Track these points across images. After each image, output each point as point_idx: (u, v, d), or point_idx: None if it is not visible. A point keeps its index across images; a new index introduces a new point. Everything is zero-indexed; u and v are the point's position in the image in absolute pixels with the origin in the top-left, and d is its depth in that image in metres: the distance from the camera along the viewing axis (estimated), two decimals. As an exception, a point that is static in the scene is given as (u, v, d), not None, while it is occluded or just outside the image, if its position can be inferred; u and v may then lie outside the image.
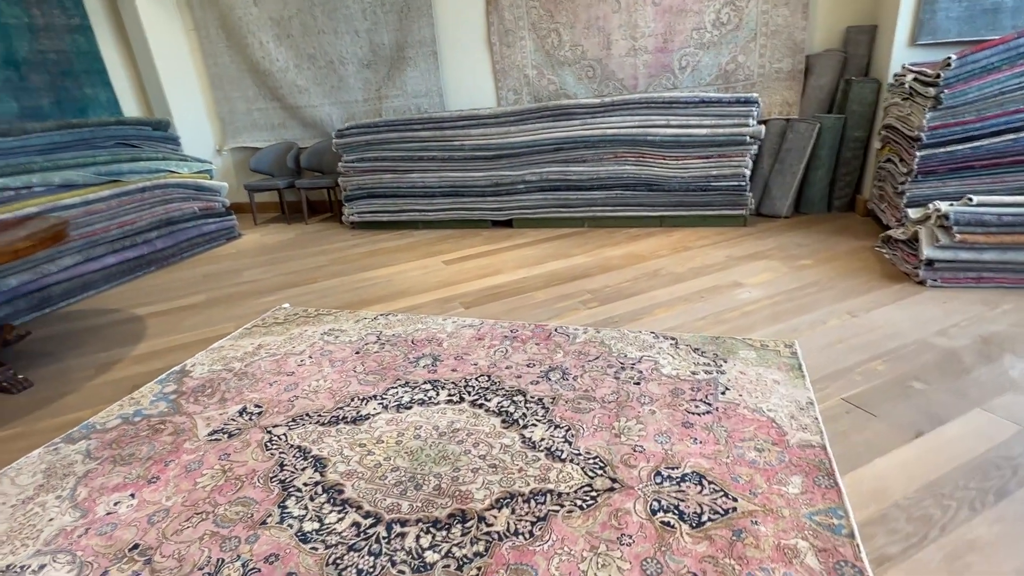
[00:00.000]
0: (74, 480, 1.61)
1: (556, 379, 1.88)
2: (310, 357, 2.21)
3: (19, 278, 2.95)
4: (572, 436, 1.58)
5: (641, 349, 2.01)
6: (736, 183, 3.29)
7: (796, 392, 1.68)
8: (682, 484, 1.36)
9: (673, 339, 2.07)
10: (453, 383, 1.92)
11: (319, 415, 1.81)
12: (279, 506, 1.43)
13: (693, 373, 1.83)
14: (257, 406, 1.90)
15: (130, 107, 4.56)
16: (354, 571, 1.21)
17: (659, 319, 2.26)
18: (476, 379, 1.93)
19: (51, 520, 1.46)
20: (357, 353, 2.21)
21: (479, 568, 1.18)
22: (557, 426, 1.63)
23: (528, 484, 1.41)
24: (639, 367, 1.90)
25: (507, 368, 1.98)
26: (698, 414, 1.62)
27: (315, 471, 1.54)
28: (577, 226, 3.71)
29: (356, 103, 4.46)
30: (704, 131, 3.25)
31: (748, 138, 3.21)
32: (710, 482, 1.36)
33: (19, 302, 2.95)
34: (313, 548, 1.28)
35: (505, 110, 3.63)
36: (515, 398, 1.79)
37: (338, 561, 1.24)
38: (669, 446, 1.50)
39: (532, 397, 1.79)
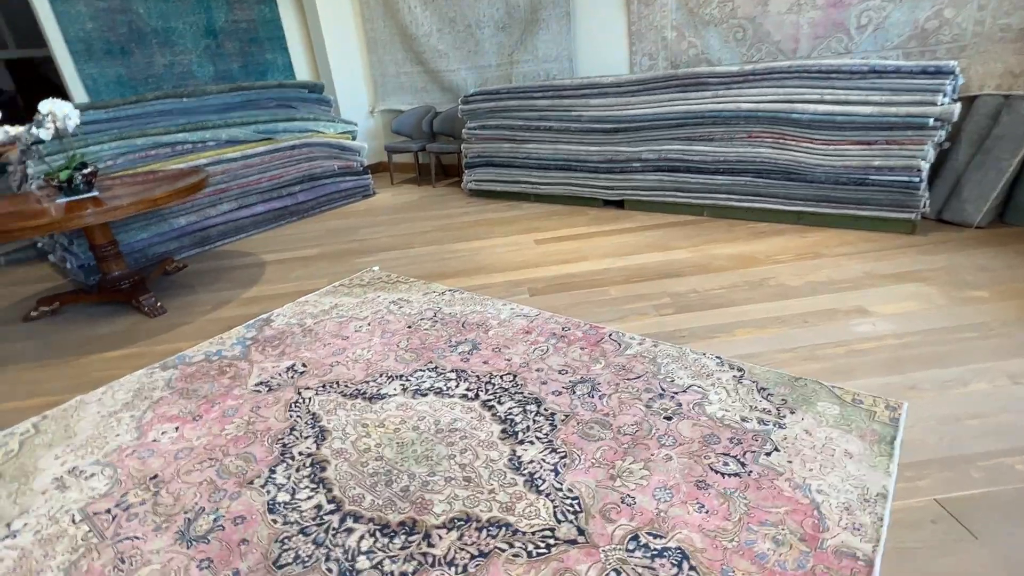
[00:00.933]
0: (148, 404, 1.89)
1: (581, 393, 1.68)
2: (368, 324, 2.29)
3: (187, 219, 3.54)
4: (563, 466, 1.40)
5: (694, 376, 1.71)
6: (906, 178, 2.57)
7: (871, 475, 1.27)
8: (657, 560, 1.12)
9: (740, 370, 1.71)
10: (478, 376, 1.83)
11: (346, 386, 1.87)
12: (270, 469, 1.51)
13: (743, 419, 1.50)
14: (304, 365, 2.04)
15: (302, 70, 5.10)
16: (292, 555, 1.23)
17: (737, 341, 1.90)
18: (501, 377, 1.82)
19: (117, 436, 1.74)
20: (409, 327, 2.23)
21: (399, 590, 1.12)
22: (554, 450, 1.46)
23: (491, 510, 1.29)
24: (680, 398, 1.61)
25: (537, 371, 1.83)
26: (722, 474, 1.32)
27: (314, 442, 1.60)
28: (695, 214, 3.28)
29: (489, 68, 4.42)
30: (870, 109, 2.57)
31: (932, 120, 2.47)
32: (692, 567, 1.10)
33: (185, 239, 3.55)
34: (273, 520, 1.34)
35: (629, 78, 3.28)
36: (528, 407, 1.65)
37: (286, 541, 1.27)
38: (666, 506, 1.25)
39: (546, 409, 1.63)
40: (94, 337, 2.50)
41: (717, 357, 1.79)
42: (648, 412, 1.57)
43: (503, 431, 1.56)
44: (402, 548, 1.22)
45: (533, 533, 1.22)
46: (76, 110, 2.69)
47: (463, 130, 4.12)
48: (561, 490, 1.33)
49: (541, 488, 1.34)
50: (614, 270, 2.60)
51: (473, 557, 1.18)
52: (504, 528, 1.24)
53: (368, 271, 2.91)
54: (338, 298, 2.60)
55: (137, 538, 1.33)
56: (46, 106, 2.66)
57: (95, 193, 2.68)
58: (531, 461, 1.43)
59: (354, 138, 4.52)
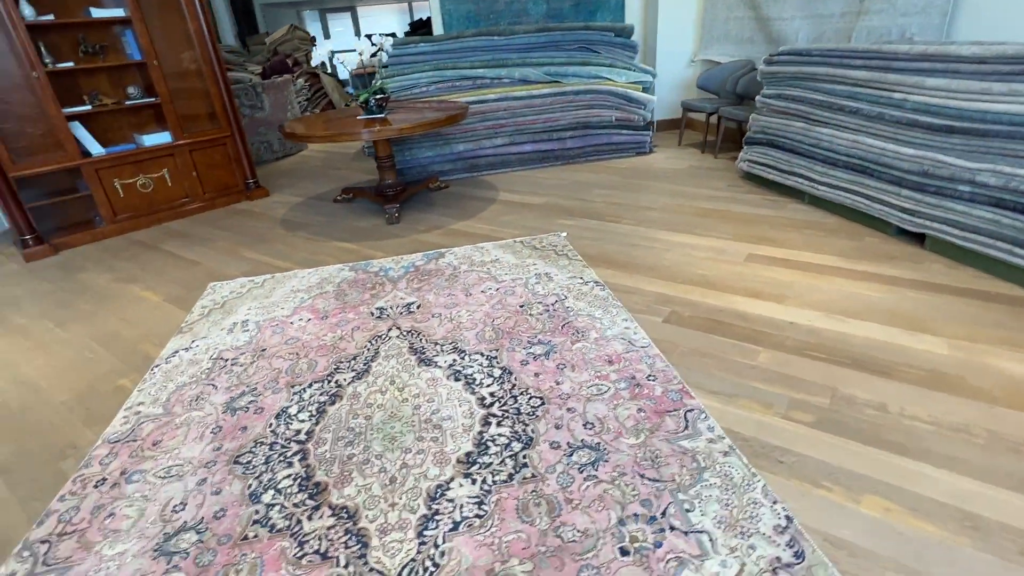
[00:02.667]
0: (314, 294, 2.41)
1: (574, 462, 1.37)
2: (496, 290, 2.30)
3: (464, 146, 4.05)
4: (468, 526, 1.22)
5: (730, 531, 1.17)
6: None
7: None
8: None
9: (802, 550, 1.09)
10: (513, 387, 1.68)
11: (419, 340, 1.98)
12: (309, 384, 1.78)
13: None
14: (417, 307, 2.22)
15: (633, 9, 4.91)
16: (248, 459, 1.47)
17: (871, 519, 1.19)
18: (531, 399, 1.62)
19: (280, 309, 2.29)
20: (520, 308, 2.15)
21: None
22: (480, 507, 1.27)
23: (370, 520, 1.25)
24: (674, 547, 1.15)
25: (568, 410, 1.56)
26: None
27: (351, 377, 1.79)
28: (1043, 290, 1.98)
29: (831, 18, 3.38)
30: None
31: None
32: None
33: (459, 163, 4.10)
34: (269, 424, 1.60)
35: (1003, 51, 2.06)
36: (516, 443, 1.45)
37: (258, 445, 1.52)
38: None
39: (524, 458, 1.40)
40: (347, 227, 3.25)
41: (785, 530, 1.17)
42: (614, 541, 1.19)
43: (467, 455, 1.43)
44: (295, 506, 1.32)
45: (361, 560, 1.14)
46: (388, 43, 3.32)
47: (757, 97, 3.37)
48: (432, 557, 1.18)
49: (426, 535, 1.21)
50: (800, 329, 1.87)
51: (317, 552, 1.19)
52: (355, 539, 1.20)
53: (557, 235, 2.84)
54: (504, 254, 2.66)
55: (214, 387, 1.80)
56: (374, 40, 3.36)
57: (384, 115, 3.33)
58: (451, 501, 1.29)
59: (646, 90, 4.23)
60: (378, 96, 3.27)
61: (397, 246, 2.89)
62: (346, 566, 1.16)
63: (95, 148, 3.35)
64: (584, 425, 1.50)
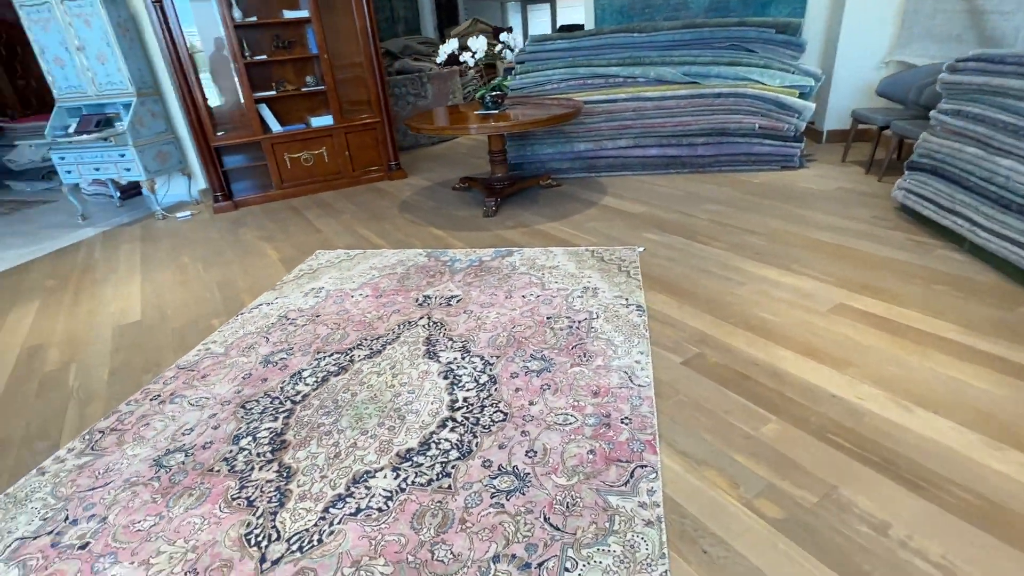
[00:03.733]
0: (383, 274, 2.65)
1: (477, 491, 1.34)
2: (536, 298, 2.28)
3: (586, 145, 3.99)
4: (373, 554, 1.29)
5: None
6: None
7: None
8: None
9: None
10: (486, 399, 1.68)
11: (442, 331, 2.07)
12: (330, 354, 2.00)
13: None
14: (457, 301, 2.31)
15: (818, 4, 4.25)
16: (254, 406, 1.73)
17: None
18: (492, 414, 1.61)
19: (351, 281, 2.58)
20: (546, 319, 2.11)
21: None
22: (381, 509, 1.33)
23: (300, 499, 1.40)
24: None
25: (510, 437, 1.52)
26: None
27: (366, 356, 1.96)
28: None
29: (1067, 13, 2.54)
30: None
31: None
32: None
33: (577, 162, 4.04)
34: (283, 382, 1.85)
35: None
36: (462, 449, 1.47)
37: (264, 397, 1.78)
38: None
39: (447, 467, 1.42)
40: (449, 215, 3.46)
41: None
42: (464, 569, 1.15)
43: (408, 451, 1.49)
44: (258, 455, 1.53)
45: (271, 516, 1.29)
46: (515, 41, 3.41)
47: (931, 112, 2.71)
48: (321, 532, 1.28)
49: (330, 512, 1.32)
50: (841, 406, 1.52)
51: (246, 499, 1.38)
52: (278, 497, 1.35)
53: (631, 249, 2.69)
54: (568, 261, 2.60)
55: (266, 339, 2.13)
56: (502, 37, 3.48)
57: (499, 111, 3.45)
58: (368, 489, 1.38)
59: (805, 95, 3.67)
60: (494, 93, 3.39)
61: (478, 239, 3.02)
62: (258, 517, 1.33)
63: (275, 126, 4.07)
64: (526, 452, 1.46)
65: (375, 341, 2.06)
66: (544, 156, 4.06)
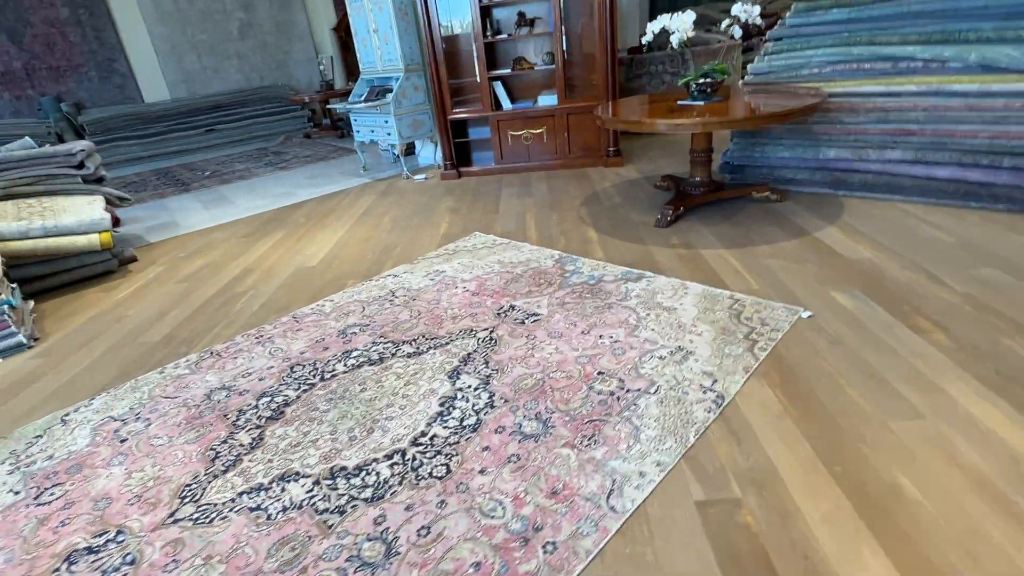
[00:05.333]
0: (499, 272, 2.55)
1: (333, 544, 1.19)
2: (607, 344, 1.87)
3: (837, 152, 2.98)
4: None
5: None
6: None
7: None
8: None
9: None
10: (452, 446, 1.48)
11: (478, 354, 1.90)
12: (374, 345, 2.05)
13: None
14: (533, 321, 2.07)
15: None
16: (287, 388, 1.93)
17: None
18: (439, 466, 1.41)
19: (469, 273, 2.57)
20: (598, 374, 1.71)
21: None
22: (270, 516, 1.32)
23: (252, 477, 1.51)
24: None
25: (425, 502, 1.29)
26: None
27: (392, 356, 1.95)
28: None
29: None
30: None
31: None
32: None
33: (819, 173, 3.06)
34: (314, 365, 2.00)
35: None
36: (358, 491, 1.35)
37: (294, 370, 1.96)
38: None
39: (344, 504, 1.31)
40: (623, 217, 3.08)
41: None
42: (275, 629, 1.05)
43: (341, 469, 1.44)
44: (258, 417, 1.70)
45: (218, 478, 1.43)
46: (748, 11, 2.72)
47: None
48: (220, 513, 1.34)
49: (236, 500, 1.38)
50: None
51: (217, 453, 1.56)
52: (233, 463, 1.48)
53: (792, 311, 1.94)
54: (691, 307, 2.04)
55: (361, 312, 2.31)
56: (736, 8, 2.81)
57: (705, 101, 2.83)
58: (282, 491, 1.39)
59: None
60: (703, 81, 2.79)
61: (623, 251, 2.62)
62: (204, 475, 1.49)
63: (506, 103, 4.25)
64: (420, 528, 1.25)
65: (428, 341, 2.04)
66: (776, 160, 3.21)
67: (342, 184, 4.70)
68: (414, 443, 1.52)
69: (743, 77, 3.40)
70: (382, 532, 1.25)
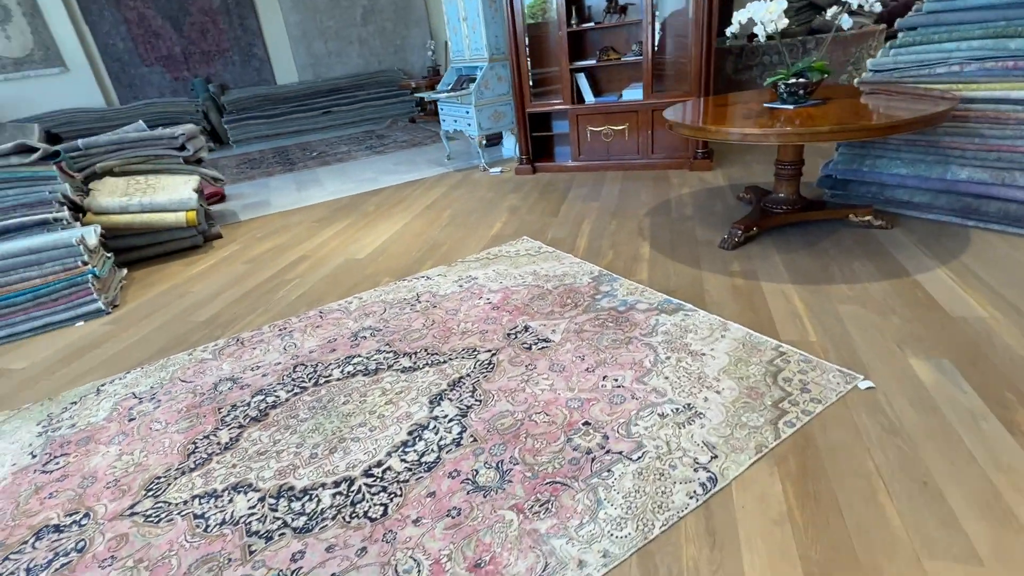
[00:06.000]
0: (528, 285, 2.38)
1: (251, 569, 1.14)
2: (608, 388, 1.64)
3: (970, 173, 2.39)
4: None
5: None
6: None
7: None
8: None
9: None
10: (399, 487, 1.38)
11: (467, 382, 1.77)
12: (378, 353, 2.00)
13: None
14: (540, 348, 1.89)
15: None
16: (277, 382, 1.95)
17: None
18: (376, 506, 1.32)
19: (498, 283, 2.43)
20: (583, 425, 1.50)
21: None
22: (201, 529, 1.31)
23: (213, 481, 1.53)
24: None
25: (339, 544, 1.20)
26: None
27: (388, 368, 1.88)
28: None
29: None
30: None
31: None
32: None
33: (943, 197, 2.48)
34: (316, 366, 1.99)
35: None
36: (288, 518, 1.30)
37: (294, 371, 1.96)
38: None
39: (272, 530, 1.26)
40: (689, 232, 2.74)
41: None
42: (157, 657, 1.03)
43: (288, 489, 1.41)
44: (245, 416, 1.73)
45: (186, 474, 1.47)
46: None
47: None
48: (163, 514, 1.37)
49: (184, 505, 1.40)
50: None
51: (197, 447, 1.60)
52: (202, 462, 1.52)
53: (848, 378, 1.56)
54: (726, 355, 1.73)
55: (379, 316, 2.28)
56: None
57: (796, 105, 2.39)
58: (214, 501, 1.39)
59: None
60: (793, 81, 2.36)
61: (670, 275, 2.32)
62: (175, 469, 1.54)
63: (589, 97, 3.99)
64: (331, 576, 1.17)
65: (427, 356, 1.95)
66: (889, 178, 2.65)
67: (424, 172, 4.76)
68: (366, 473, 1.45)
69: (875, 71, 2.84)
70: (293, 572, 1.19)
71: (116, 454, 1.65)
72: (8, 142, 3.69)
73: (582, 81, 3.97)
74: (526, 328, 2.05)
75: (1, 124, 4.05)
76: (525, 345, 1.94)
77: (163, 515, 1.39)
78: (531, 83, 4.07)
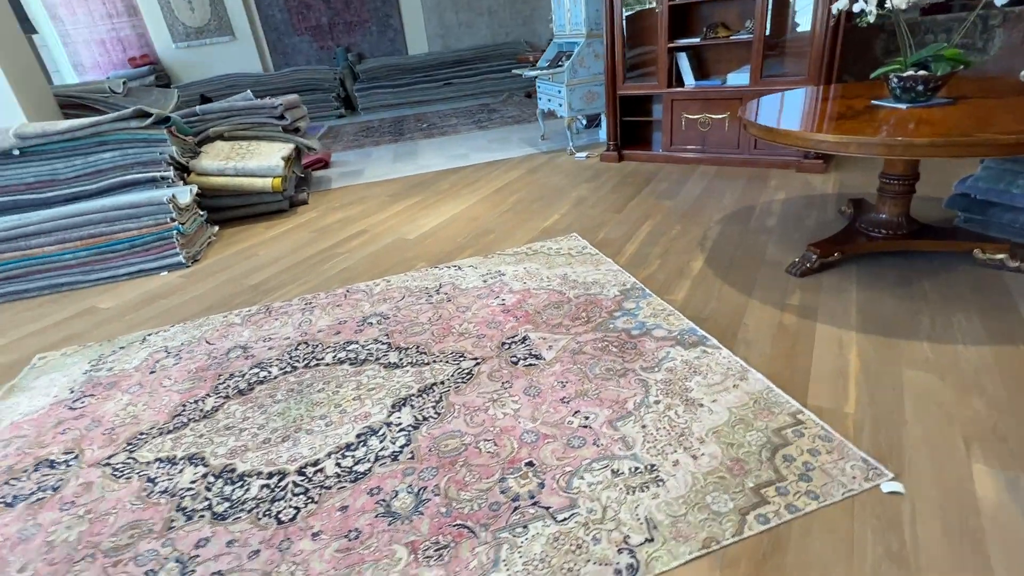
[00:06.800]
0: (546, 290, 2.19)
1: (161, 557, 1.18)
2: (584, 426, 1.44)
3: None
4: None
5: None
6: None
7: None
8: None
9: None
10: (321, 490, 1.34)
11: (427, 399, 1.67)
12: (375, 342, 1.97)
13: None
14: (530, 366, 1.73)
15: None
16: (276, 358, 2.00)
17: None
18: (300, 503, 1.29)
19: (521, 284, 2.28)
20: (524, 467, 1.34)
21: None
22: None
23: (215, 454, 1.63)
24: None
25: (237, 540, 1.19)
26: None
27: (375, 360, 1.84)
28: None
29: None
30: None
31: None
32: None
33: (1125, 240, 1.79)
34: (313, 346, 2.01)
35: None
36: (210, 499, 1.33)
37: (293, 347, 2.00)
38: (23, 529, 1.33)
39: (201, 510, 1.30)
40: (756, 247, 2.35)
41: None
42: (52, 611, 1.12)
43: (230, 472, 1.44)
44: (236, 387, 1.82)
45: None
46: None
47: None
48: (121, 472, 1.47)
49: (145, 473, 1.50)
50: None
51: (182, 413, 1.72)
52: (172, 434, 1.63)
53: (873, 474, 1.21)
54: (733, 422, 1.43)
55: (393, 304, 2.26)
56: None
57: (912, 103, 1.88)
58: (167, 480, 1.46)
59: None
60: (909, 75, 1.84)
61: (710, 299, 1.99)
62: (160, 432, 1.66)
63: (689, 80, 3.56)
64: (214, 574, 1.17)
65: (416, 355, 1.89)
66: (1047, 205, 2.00)
67: (512, 152, 4.65)
68: (300, 470, 1.44)
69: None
70: (190, 559, 1.22)
71: (124, 403, 1.83)
72: (156, 104, 4.22)
73: (683, 61, 3.54)
74: (524, 339, 1.90)
75: (147, 88, 4.67)
76: (513, 359, 1.80)
77: (126, 472, 1.52)
78: (625, 62, 3.73)
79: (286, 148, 3.74)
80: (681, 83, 3.58)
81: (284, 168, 3.56)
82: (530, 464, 1.36)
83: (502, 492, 1.29)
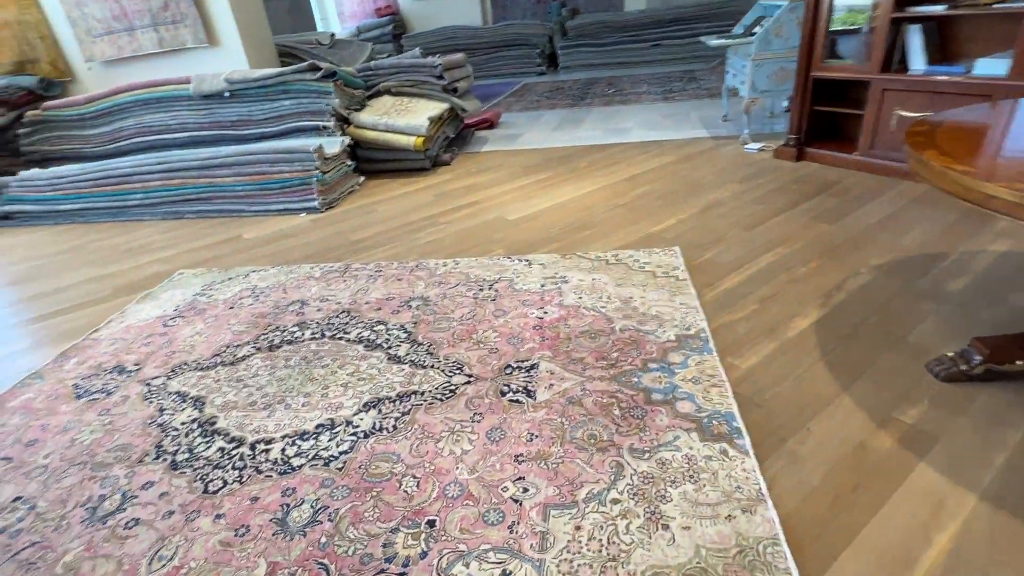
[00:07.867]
0: (604, 315, 1.87)
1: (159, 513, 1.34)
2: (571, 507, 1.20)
3: None
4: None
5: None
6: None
7: None
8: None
9: None
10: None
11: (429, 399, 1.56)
12: (400, 326, 1.91)
13: None
14: (525, 397, 1.51)
15: None
16: (298, 324, 2.07)
17: None
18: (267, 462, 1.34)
19: (567, 298, 2.00)
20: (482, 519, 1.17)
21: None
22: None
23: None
24: None
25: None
26: (0, 462, 1.51)
27: (386, 349, 1.79)
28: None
29: None
30: None
31: None
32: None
33: None
34: (342, 314, 2.02)
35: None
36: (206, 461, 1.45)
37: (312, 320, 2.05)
38: (70, 422, 1.65)
39: (196, 472, 1.44)
40: (891, 319, 1.66)
41: None
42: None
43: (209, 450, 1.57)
44: (247, 343, 1.96)
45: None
46: None
47: None
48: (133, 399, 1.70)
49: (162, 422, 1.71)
50: None
51: (199, 366, 1.92)
52: (176, 391, 1.83)
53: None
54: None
55: (438, 288, 2.18)
56: None
57: None
58: (171, 431, 1.64)
59: None
60: None
61: (783, 379, 1.48)
62: (199, 368, 1.88)
63: (918, 63, 2.62)
64: (127, 518, 1.28)
65: (423, 355, 1.79)
66: None
67: (680, 133, 4.07)
68: (253, 444, 1.49)
69: None
70: (131, 497, 1.36)
71: (195, 332, 2.12)
72: (350, 57, 4.68)
73: (913, 36, 2.60)
74: (532, 367, 1.66)
75: (348, 41, 5.16)
76: (503, 389, 1.59)
77: (152, 396, 1.76)
78: (828, 35, 2.88)
79: (438, 108, 3.83)
80: (904, 67, 2.66)
81: (429, 128, 3.66)
82: (431, 524, 1.19)
83: (383, 546, 1.16)
